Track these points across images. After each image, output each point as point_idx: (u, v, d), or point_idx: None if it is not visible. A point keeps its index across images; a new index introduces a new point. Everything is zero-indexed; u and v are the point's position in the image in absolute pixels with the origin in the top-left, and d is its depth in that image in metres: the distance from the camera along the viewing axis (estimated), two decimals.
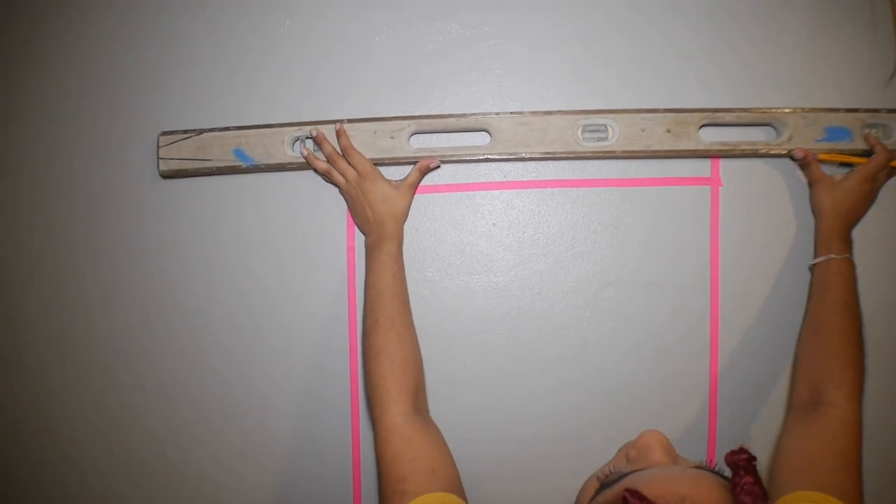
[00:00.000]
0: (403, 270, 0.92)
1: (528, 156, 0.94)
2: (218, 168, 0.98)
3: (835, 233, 0.91)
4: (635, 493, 0.50)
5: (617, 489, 0.54)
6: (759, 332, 0.98)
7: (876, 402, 0.97)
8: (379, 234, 0.93)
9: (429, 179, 0.98)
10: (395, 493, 0.72)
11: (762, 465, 0.91)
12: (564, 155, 0.94)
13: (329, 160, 0.95)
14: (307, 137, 0.97)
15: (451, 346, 0.99)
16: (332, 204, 0.99)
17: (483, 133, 0.96)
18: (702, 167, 0.97)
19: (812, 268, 0.93)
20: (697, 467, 0.58)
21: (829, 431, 0.77)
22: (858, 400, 0.81)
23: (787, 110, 0.94)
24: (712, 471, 0.57)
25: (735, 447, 0.54)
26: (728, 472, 0.55)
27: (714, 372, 0.98)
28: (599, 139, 0.95)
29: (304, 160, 0.95)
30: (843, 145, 0.94)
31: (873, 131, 0.94)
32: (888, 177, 0.95)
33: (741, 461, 0.52)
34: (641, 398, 0.99)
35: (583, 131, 0.95)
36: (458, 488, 0.74)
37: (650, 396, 0.99)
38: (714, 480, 0.54)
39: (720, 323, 0.98)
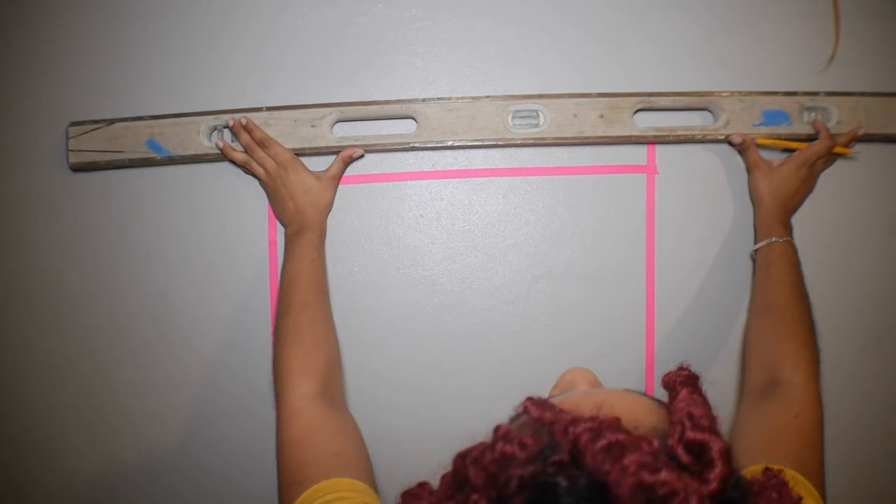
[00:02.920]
0: (323, 260, 0.88)
1: (455, 144, 0.90)
2: (131, 160, 0.93)
3: (774, 217, 0.89)
4: (535, 398, 0.41)
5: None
6: (696, 324, 0.96)
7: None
8: (300, 224, 0.89)
9: (354, 169, 0.94)
10: (292, 484, 0.65)
11: None
12: (493, 142, 0.90)
13: (247, 150, 0.90)
14: (224, 127, 0.92)
15: (377, 342, 0.95)
16: (252, 197, 0.94)
17: (409, 120, 0.92)
18: (637, 154, 0.94)
19: (754, 255, 0.91)
20: (626, 390, 0.49)
21: (790, 409, 0.73)
22: (817, 379, 0.77)
23: (724, 94, 0.90)
24: (644, 395, 0.48)
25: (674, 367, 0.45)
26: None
27: (650, 365, 0.96)
28: (530, 126, 0.90)
29: (221, 151, 0.91)
30: (782, 129, 0.90)
31: (813, 115, 0.91)
32: (827, 164, 0.92)
33: (681, 377, 0.43)
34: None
35: (513, 117, 0.90)
36: (366, 475, 0.68)
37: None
38: (642, 397, 0.46)
39: (656, 315, 0.95)
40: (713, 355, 0.97)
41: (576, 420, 0.36)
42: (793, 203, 0.90)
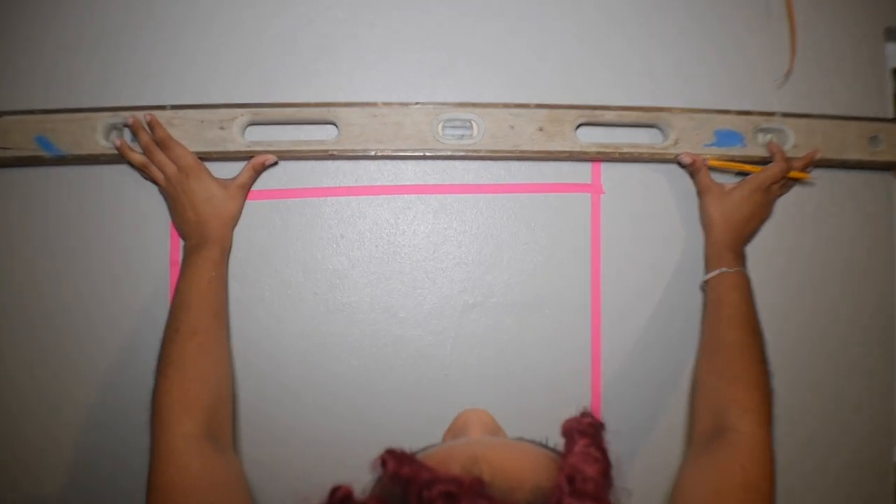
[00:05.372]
0: (224, 279, 0.78)
1: (378, 153, 0.81)
2: (18, 158, 0.83)
3: (726, 246, 0.81)
4: (395, 451, 0.37)
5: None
6: (645, 357, 0.87)
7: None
8: (200, 237, 0.79)
9: (268, 182, 0.84)
10: None
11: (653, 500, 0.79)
12: (421, 152, 0.82)
13: (146, 152, 0.80)
14: (124, 125, 0.82)
15: (290, 377, 0.84)
16: (153, 206, 0.84)
17: (330, 127, 0.83)
18: (581, 172, 0.86)
19: (704, 286, 0.82)
20: (520, 439, 0.47)
21: (736, 461, 0.65)
22: (768, 425, 0.69)
23: (674, 110, 0.83)
24: (542, 445, 0.46)
25: (577, 413, 0.42)
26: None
27: (596, 402, 0.86)
28: (462, 137, 0.82)
29: (118, 151, 0.81)
30: (735, 151, 0.83)
31: (768, 136, 0.84)
32: (784, 189, 0.85)
33: (581, 426, 0.40)
34: (513, 432, 0.86)
35: (443, 127, 0.82)
36: None
37: (522, 430, 0.86)
38: (532, 447, 0.44)
39: (602, 347, 0.86)
40: (665, 390, 0.87)
41: (433, 480, 0.32)
42: (746, 230, 0.83)
